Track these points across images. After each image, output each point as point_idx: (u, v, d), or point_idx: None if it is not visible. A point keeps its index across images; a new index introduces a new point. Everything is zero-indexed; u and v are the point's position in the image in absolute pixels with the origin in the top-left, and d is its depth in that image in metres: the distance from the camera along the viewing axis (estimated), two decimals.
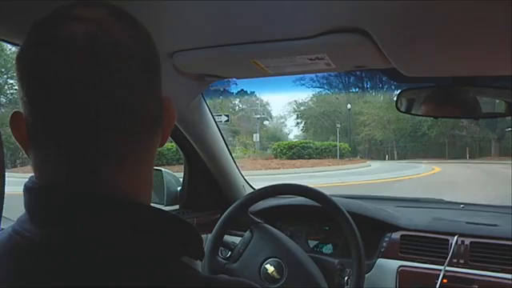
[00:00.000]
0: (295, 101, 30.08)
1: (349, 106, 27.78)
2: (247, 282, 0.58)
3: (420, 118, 24.19)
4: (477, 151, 27.15)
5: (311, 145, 22.75)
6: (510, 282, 1.49)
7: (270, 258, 1.48)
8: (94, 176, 0.53)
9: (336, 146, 23.48)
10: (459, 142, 28.10)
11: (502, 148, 25.20)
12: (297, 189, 1.61)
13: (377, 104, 28.16)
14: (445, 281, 1.55)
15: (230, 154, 2.07)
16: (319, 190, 1.58)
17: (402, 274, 1.63)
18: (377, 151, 28.75)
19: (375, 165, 22.46)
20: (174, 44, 1.21)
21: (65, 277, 0.49)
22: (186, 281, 0.53)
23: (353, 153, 26.02)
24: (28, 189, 0.55)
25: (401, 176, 15.73)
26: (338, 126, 26.59)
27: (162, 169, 2.06)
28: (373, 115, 28.10)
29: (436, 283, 1.54)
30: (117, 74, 0.51)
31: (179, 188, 2.07)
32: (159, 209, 0.57)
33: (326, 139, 27.46)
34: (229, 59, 1.28)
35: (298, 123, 30.56)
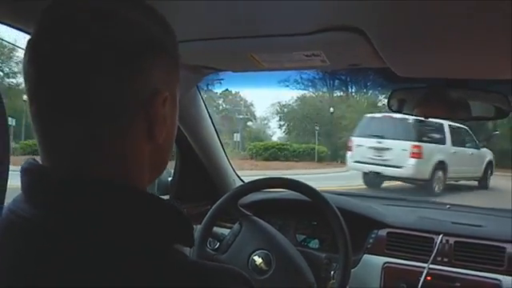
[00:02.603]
0: (279, 102, 28.68)
1: (331, 109, 26.24)
2: (235, 268, 0.59)
3: None
4: None
5: (288, 147, 21.99)
6: (491, 281, 1.53)
7: (258, 249, 1.51)
8: (81, 161, 0.54)
9: (314, 148, 22.53)
10: None
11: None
12: (287, 183, 1.63)
13: (360, 108, 26.23)
14: (428, 278, 1.58)
15: (222, 148, 2.09)
16: (309, 184, 1.60)
17: (387, 270, 1.66)
18: None
19: (354, 170, 20.42)
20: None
21: (58, 259, 0.50)
22: (176, 265, 0.53)
23: (334, 157, 25.49)
24: (25, 170, 0.56)
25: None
26: (317, 128, 26.21)
27: None
28: (355, 120, 26.85)
29: (420, 280, 1.57)
30: (79, 61, 0.52)
31: (170, 178, 2.09)
32: (153, 195, 0.58)
33: (307, 142, 27.13)
34: (227, 52, 1.30)
35: (280, 125, 29.63)
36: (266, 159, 20.49)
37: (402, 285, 1.61)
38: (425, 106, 1.53)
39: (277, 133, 29.94)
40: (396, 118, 8.95)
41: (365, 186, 9.66)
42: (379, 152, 9.38)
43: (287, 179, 1.63)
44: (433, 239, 1.67)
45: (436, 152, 9.39)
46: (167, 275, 0.51)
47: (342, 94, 25.53)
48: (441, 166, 9.47)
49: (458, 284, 1.56)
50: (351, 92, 25.20)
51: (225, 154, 2.11)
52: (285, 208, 1.95)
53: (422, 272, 1.59)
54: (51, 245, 0.51)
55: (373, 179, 9.72)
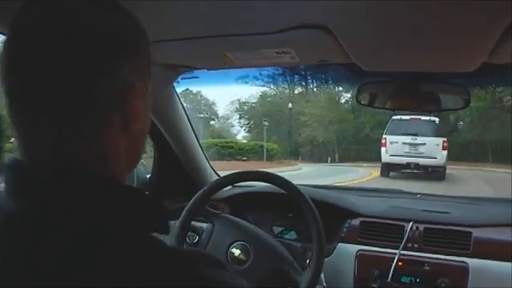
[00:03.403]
0: (238, 100, 27.92)
1: (290, 105, 25.88)
2: (212, 254, 0.61)
3: (363, 119, 22.24)
4: None
5: (233, 144, 20.83)
6: (459, 263, 1.60)
7: (234, 242, 1.54)
8: (59, 156, 0.56)
9: (263, 146, 21.24)
10: None
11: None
12: (262, 176, 1.67)
13: (318, 103, 25.94)
14: (400, 263, 1.64)
15: (199, 143, 2.12)
16: (283, 176, 1.65)
17: (360, 257, 1.72)
18: (319, 153, 26.35)
19: (307, 168, 19.46)
20: (148, 35, 1.25)
21: (41, 251, 0.51)
22: (155, 251, 0.55)
23: (288, 154, 23.84)
24: (6, 167, 0.58)
25: (332, 182, 12.31)
26: (266, 124, 24.27)
27: None
28: (314, 115, 25.53)
29: (391, 266, 1.63)
30: (54, 56, 0.54)
31: (148, 175, 2.12)
32: (130, 186, 0.60)
33: (268, 140, 24.74)
34: (201, 51, 1.33)
35: (240, 123, 27.91)
36: (209, 158, 19.26)
37: (375, 271, 1.66)
38: (396, 100, 1.59)
39: (242, 132, 28.29)
40: (424, 120, 11.57)
41: None
42: (415, 147, 11.58)
43: (262, 172, 1.67)
44: (403, 226, 1.73)
45: None
46: (146, 261, 0.52)
47: (301, 89, 24.31)
48: None
49: (428, 268, 1.62)
50: (312, 87, 23.88)
51: (201, 150, 2.14)
52: (261, 201, 1.98)
53: (393, 258, 1.64)
54: (32, 238, 0.52)
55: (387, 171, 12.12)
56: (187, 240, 1.87)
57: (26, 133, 0.57)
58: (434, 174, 11.70)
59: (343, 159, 23.68)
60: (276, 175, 1.65)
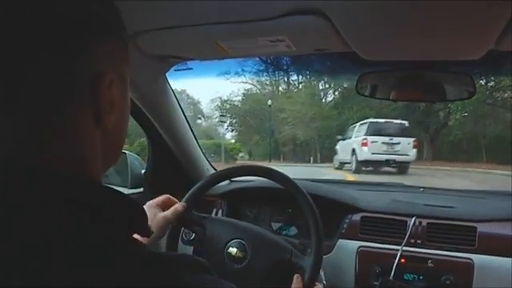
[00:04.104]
0: (220, 97, 26.53)
1: (269, 101, 24.15)
2: (192, 256, 0.59)
3: (347, 115, 21.00)
4: None
5: None
6: (463, 260, 1.55)
7: (230, 240, 1.50)
8: (29, 152, 0.52)
9: (221, 145, 20.64)
10: None
11: (435, 152, 20.27)
12: (258, 170, 1.62)
13: (300, 99, 24.22)
14: (402, 260, 1.59)
15: (195, 137, 2.07)
16: (280, 171, 1.60)
17: (361, 253, 1.68)
18: (301, 153, 24.60)
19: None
20: (138, 24, 1.21)
21: (11, 255, 0.47)
22: (132, 256, 0.51)
23: (276, 154, 22.81)
24: None
25: None
26: (224, 121, 23.93)
27: (127, 151, 2.05)
28: (294, 112, 23.69)
29: (394, 262, 1.58)
30: (12, 45, 0.50)
31: (143, 171, 2.07)
32: (106, 186, 0.56)
33: (249, 140, 24.85)
34: (192, 40, 1.29)
35: (221, 122, 26.62)
36: None
37: (377, 268, 1.62)
38: (399, 90, 1.53)
39: (228, 130, 26.88)
40: (396, 123, 14.32)
41: None
42: (391, 146, 13.59)
43: (258, 166, 1.62)
44: (406, 222, 1.68)
45: None
46: (122, 266, 0.49)
47: (285, 86, 23.37)
48: None
49: (432, 264, 1.57)
50: (297, 83, 23.07)
51: (197, 144, 2.10)
52: (259, 197, 1.95)
53: (395, 254, 1.60)
54: (4, 239, 0.48)
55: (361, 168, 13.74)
56: (184, 237, 1.83)
57: None
58: (401, 169, 13.68)
59: (326, 159, 21.66)
60: (272, 169, 1.60)
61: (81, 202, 0.51)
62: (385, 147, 13.67)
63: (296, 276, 1.33)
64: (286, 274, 1.40)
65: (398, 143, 13.63)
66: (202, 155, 2.13)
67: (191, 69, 1.73)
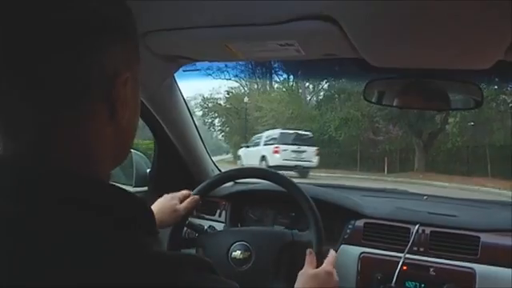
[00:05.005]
0: (202, 95, 24.42)
1: (246, 99, 23.00)
2: (197, 255, 0.59)
3: (328, 116, 19.82)
4: (397, 163, 18.62)
5: None
6: (466, 269, 1.54)
7: (232, 244, 1.50)
8: (43, 149, 0.53)
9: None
10: (375, 149, 19.47)
11: (428, 160, 17.85)
12: (261, 173, 1.63)
13: (275, 96, 22.05)
14: (404, 268, 1.59)
15: (200, 138, 2.08)
16: (283, 174, 1.61)
17: (363, 260, 1.67)
18: None
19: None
20: (148, 24, 1.22)
21: (24, 250, 0.49)
22: (138, 255, 0.52)
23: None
24: None
25: None
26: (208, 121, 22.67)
27: (132, 150, 2.06)
28: (270, 110, 21.54)
29: (396, 269, 1.58)
30: (33, 43, 0.51)
31: (148, 170, 2.08)
32: (113, 184, 0.57)
33: (230, 140, 23.39)
34: (202, 41, 1.29)
35: (204, 122, 24.54)
36: None
37: (379, 274, 1.62)
38: (403, 97, 1.54)
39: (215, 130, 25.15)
40: (302, 133, 16.56)
41: None
42: (299, 153, 15.60)
43: (261, 169, 1.64)
44: (409, 229, 1.68)
45: None
46: (128, 265, 0.50)
47: (266, 82, 21.71)
48: None
49: (434, 273, 1.57)
50: (278, 80, 21.13)
51: (203, 144, 2.11)
52: (263, 199, 1.95)
53: (398, 262, 1.60)
54: (16, 237, 0.50)
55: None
56: (186, 237, 1.84)
57: (7, 126, 0.54)
58: (302, 173, 14.84)
59: None
60: (275, 172, 1.61)
61: (90, 202, 0.53)
62: (294, 154, 15.63)
63: (308, 251, 1.36)
64: (296, 255, 1.45)
65: (305, 151, 15.71)
66: (208, 156, 2.14)
67: (199, 70, 1.74)
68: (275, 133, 16.98)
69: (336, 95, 20.51)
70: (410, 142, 18.77)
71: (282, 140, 16.03)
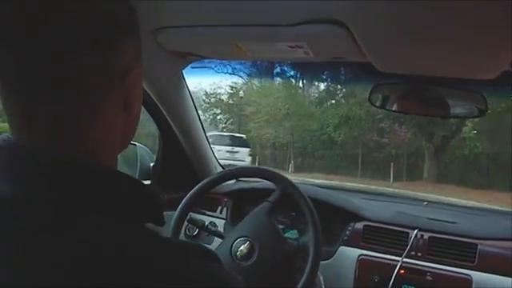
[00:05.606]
0: (205, 90, 22.68)
1: (241, 93, 21.49)
2: (204, 245, 0.61)
3: (328, 114, 17.88)
4: (404, 170, 16.03)
5: None
6: (462, 276, 1.56)
7: (235, 240, 1.52)
8: (60, 137, 0.55)
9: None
10: (379, 153, 16.90)
11: (439, 168, 15.12)
12: (261, 172, 1.65)
13: (271, 90, 19.70)
14: (402, 271, 1.61)
15: (205, 134, 2.10)
16: (282, 174, 1.63)
17: (361, 262, 1.69)
18: (281, 158, 19.82)
19: None
20: (159, 20, 1.24)
21: (45, 234, 0.50)
22: (149, 242, 0.54)
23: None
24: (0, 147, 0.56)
25: None
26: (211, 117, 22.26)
27: (137, 143, 2.08)
28: (263, 106, 19.33)
29: (393, 273, 1.60)
30: (54, 38, 0.53)
31: (152, 164, 2.09)
32: (122, 173, 0.59)
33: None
34: (212, 39, 1.31)
35: (206, 117, 22.27)
36: None
37: (376, 277, 1.64)
38: (402, 103, 1.56)
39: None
40: (236, 136, 17.42)
41: None
42: (232, 154, 16.11)
43: (263, 169, 1.65)
44: (408, 234, 1.69)
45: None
46: (139, 252, 0.51)
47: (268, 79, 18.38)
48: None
49: (430, 278, 1.59)
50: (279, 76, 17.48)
51: (207, 141, 2.12)
52: (264, 198, 1.96)
53: (395, 265, 1.62)
54: (37, 221, 0.51)
55: None
56: (187, 232, 1.86)
57: (26, 116, 0.55)
58: None
59: (300, 169, 17.76)
60: (275, 172, 1.63)
61: (102, 191, 0.55)
62: (228, 154, 16.22)
63: None
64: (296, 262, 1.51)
65: (238, 152, 16.66)
66: (211, 153, 2.16)
67: (207, 67, 1.76)
68: (211, 135, 17.28)
69: (338, 91, 18.47)
70: (420, 145, 16.21)
71: (218, 141, 16.61)
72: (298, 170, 17.85)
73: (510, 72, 1.20)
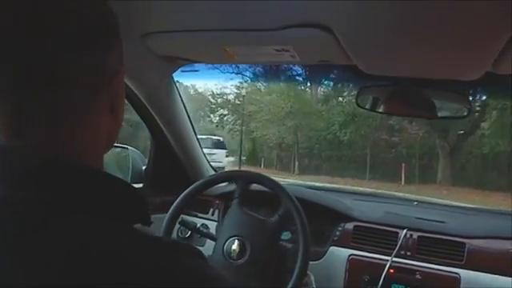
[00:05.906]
0: (211, 90, 21.75)
1: (244, 91, 19.88)
2: (191, 244, 0.62)
3: (332, 113, 16.66)
4: (416, 171, 14.47)
5: None
6: (451, 274, 1.58)
7: (228, 238, 1.54)
8: (51, 138, 0.56)
9: None
10: (389, 153, 15.60)
11: (455, 169, 13.72)
12: (249, 176, 1.67)
13: (276, 88, 18.43)
14: (391, 270, 1.63)
15: (196, 138, 2.11)
16: (270, 176, 1.65)
17: (351, 261, 1.71)
18: (288, 159, 18.74)
19: None
20: (148, 25, 1.26)
21: (37, 235, 0.50)
22: (137, 241, 0.54)
23: (254, 160, 19.01)
24: None
25: None
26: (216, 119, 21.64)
27: (129, 147, 2.09)
28: (265, 104, 18.27)
29: (383, 272, 1.62)
30: (45, 39, 0.54)
31: (144, 167, 2.10)
32: (107, 173, 0.59)
33: (231, 139, 20.15)
34: (200, 44, 1.33)
35: (211, 117, 22.01)
36: None
37: (366, 276, 1.66)
38: (389, 104, 1.58)
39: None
40: (215, 139, 17.26)
41: None
42: (210, 155, 17.36)
43: (253, 173, 1.67)
44: (397, 233, 1.71)
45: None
46: (129, 252, 0.52)
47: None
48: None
49: (420, 277, 1.61)
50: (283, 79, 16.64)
51: (199, 145, 2.14)
52: (256, 200, 1.98)
53: (385, 264, 1.64)
54: (28, 222, 0.51)
55: None
56: (179, 234, 1.87)
57: (17, 117, 0.56)
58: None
59: (305, 171, 16.75)
60: (263, 175, 1.65)
61: (90, 192, 0.56)
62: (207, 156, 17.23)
63: None
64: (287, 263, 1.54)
65: (215, 154, 16.39)
66: (203, 156, 2.17)
67: (197, 71, 1.78)
68: None
69: (345, 88, 15.85)
70: (433, 144, 14.70)
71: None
72: (303, 171, 16.83)
73: (491, 73, 1.22)
